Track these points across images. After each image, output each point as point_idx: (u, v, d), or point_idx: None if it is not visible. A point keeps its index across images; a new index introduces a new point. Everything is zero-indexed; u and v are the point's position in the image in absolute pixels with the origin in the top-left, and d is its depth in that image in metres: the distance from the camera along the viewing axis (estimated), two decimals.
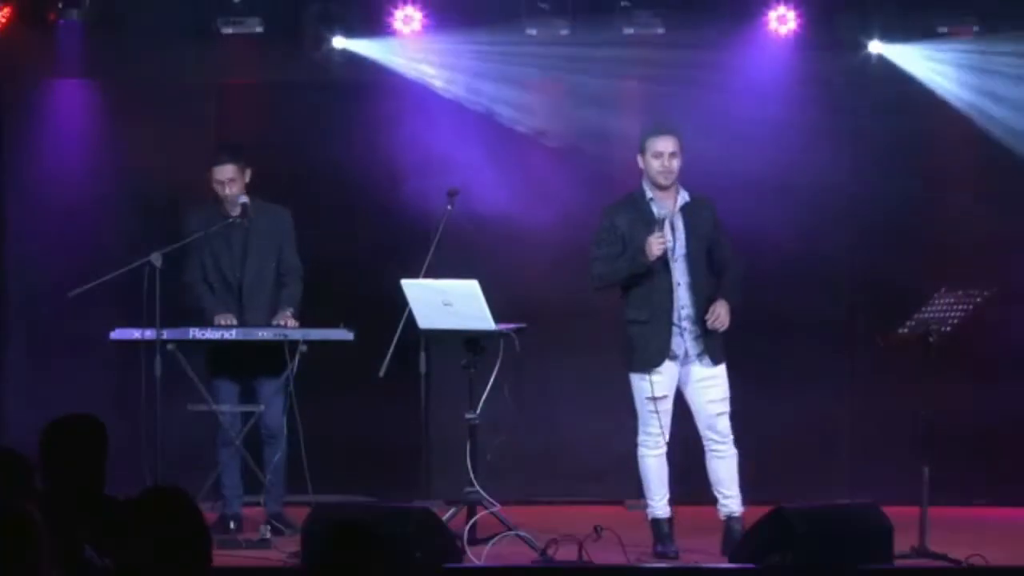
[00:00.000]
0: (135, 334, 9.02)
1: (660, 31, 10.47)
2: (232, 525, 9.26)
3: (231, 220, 9.31)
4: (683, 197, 8.71)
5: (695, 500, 8.92)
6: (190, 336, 9.08)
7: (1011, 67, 10.41)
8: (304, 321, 9.30)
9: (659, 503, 8.72)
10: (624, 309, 8.72)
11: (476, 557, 8.44)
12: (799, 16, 10.41)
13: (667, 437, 8.64)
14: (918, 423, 8.74)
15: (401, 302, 8.77)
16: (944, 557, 8.36)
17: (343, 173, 10.58)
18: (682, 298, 8.61)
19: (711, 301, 8.60)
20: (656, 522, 8.73)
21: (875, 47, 10.47)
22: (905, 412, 9.43)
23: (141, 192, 10.66)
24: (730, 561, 8.42)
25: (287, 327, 9.14)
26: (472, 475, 8.80)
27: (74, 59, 10.60)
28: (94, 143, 10.78)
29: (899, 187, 10.57)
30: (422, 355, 9.00)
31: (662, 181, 8.63)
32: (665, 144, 8.66)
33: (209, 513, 8.16)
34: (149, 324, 8.89)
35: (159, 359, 8.94)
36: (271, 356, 9.09)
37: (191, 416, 9.22)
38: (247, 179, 9.34)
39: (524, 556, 8.45)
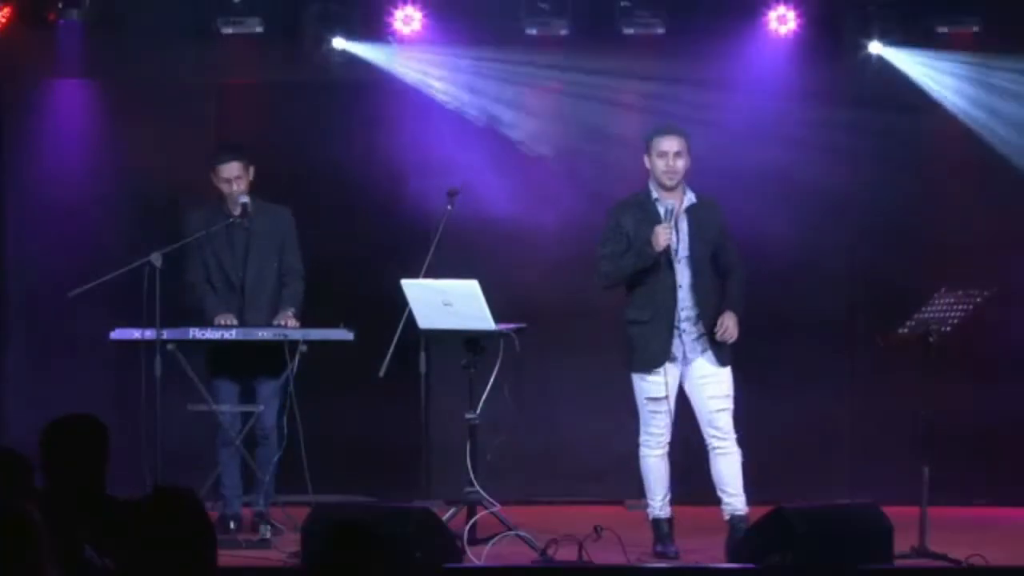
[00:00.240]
0: (135, 334, 9.02)
1: (660, 31, 10.47)
2: (232, 525, 9.27)
3: (231, 220, 9.31)
4: (689, 198, 8.68)
5: (696, 500, 8.92)
6: (190, 336, 9.08)
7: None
8: (304, 321, 9.30)
9: (659, 503, 8.72)
10: (626, 309, 8.71)
11: (476, 557, 8.44)
12: (799, 16, 10.41)
13: (668, 437, 8.64)
14: (918, 423, 8.75)
15: (401, 302, 8.77)
16: (944, 557, 8.37)
17: (343, 173, 10.58)
18: (683, 299, 8.59)
19: (715, 307, 8.57)
20: (656, 522, 8.73)
21: (875, 47, 10.46)
22: (905, 412, 9.44)
23: (141, 192, 10.66)
24: (730, 561, 8.42)
25: (287, 327, 9.14)
26: (472, 475, 8.80)
27: (74, 59, 10.60)
28: (94, 143, 10.78)
29: (899, 187, 10.57)
30: (422, 355, 9.00)
31: (666, 181, 8.61)
32: (670, 144, 8.64)
33: (210, 512, 8.15)
34: (149, 324, 8.89)
35: (159, 359, 8.94)
36: (271, 356, 9.09)
37: (191, 416, 9.21)
38: (251, 177, 9.35)
39: (524, 556, 8.45)
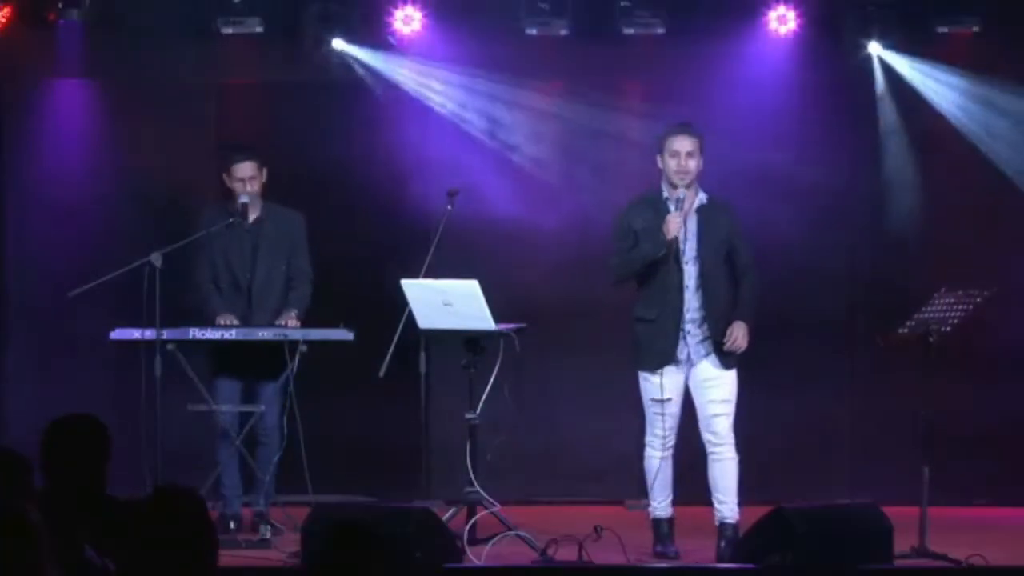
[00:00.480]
0: (135, 334, 9.03)
1: (660, 31, 10.46)
2: (232, 525, 9.27)
3: (231, 220, 9.31)
4: (700, 199, 8.63)
5: (696, 501, 8.90)
6: (190, 336, 9.08)
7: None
8: (304, 321, 9.31)
9: (661, 504, 8.71)
10: (634, 306, 8.68)
11: (476, 557, 8.44)
12: (799, 16, 10.41)
13: (673, 440, 8.62)
14: (918, 423, 8.75)
15: (401, 302, 8.77)
16: (944, 557, 8.37)
17: (343, 173, 10.58)
18: (688, 301, 8.54)
19: (722, 309, 8.52)
20: (657, 522, 8.72)
21: (874, 48, 10.46)
22: (905, 412, 9.44)
23: (141, 192, 10.66)
24: (730, 561, 8.42)
25: (287, 327, 9.14)
26: (472, 475, 8.80)
27: (74, 59, 10.60)
28: (94, 143, 10.78)
29: (899, 187, 10.57)
30: (422, 355, 9.00)
31: (678, 181, 8.54)
32: (683, 144, 8.58)
33: (210, 512, 8.15)
34: (149, 324, 8.89)
35: (159, 359, 8.94)
36: (273, 357, 9.09)
37: (191, 416, 9.21)
38: (264, 179, 9.37)
39: (524, 556, 8.45)
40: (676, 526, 8.75)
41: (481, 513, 8.76)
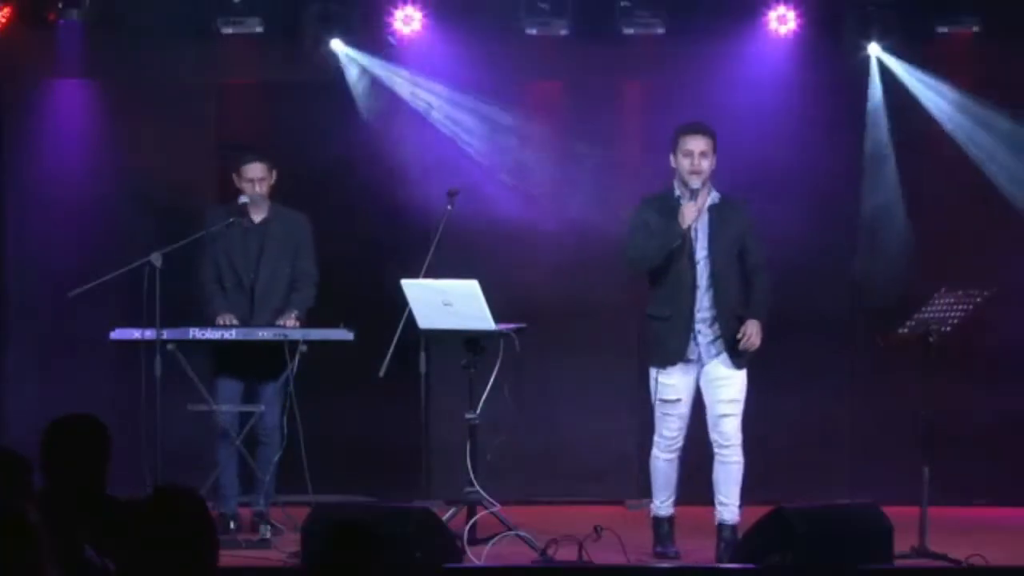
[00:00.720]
0: (135, 334, 9.03)
1: (660, 31, 10.46)
2: (232, 525, 9.27)
3: (232, 220, 9.32)
4: (712, 197, 8.59)
5: (697, 501, 8.89)
6: (190, 336, 9.08)
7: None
8: (304, 321, 9.31)
9: (662, 502, 8.70)
10: (648, 305, 8.65)
11: (476, 557, 8.44)
12: (799, 16, 10.41)
13: (681, 442, 8.59)
14: (918, 423, 8.75)
15: (401, 302, 8.77)
16: (944, 557, 8.37)
17: (343, 173, 10.58)
18: (699, 300, 8.51)
19: (733, 310, 8.48)
20: (657, 520, 8.71)
21: (873, 50, 10.46)
22: (905, 412, 9.44)
23: (141, 192, 10.66)
24: (730, 561, 8.42)
25: (286, 327, 9.14)
26: (472, 475, 8.80)
27: (74, 59, 10.60)
28: (94, 143, 10.78)
29: (899, 187, 10.57)
30: (422, 355, 9.00)
31: (691, 181, 8.48)
32: (696, 143, 8.53)
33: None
34: (149, 324, 8.89)
35: (159, 359, 8.94)
36: (273, 357, 9.09)
37: (191, 416, 9.21)
38: (273, 180, 9.39)
39: (524, 556, 8.45)
40: (677, 526, 8.74)
41: (481, 513, 8.76)
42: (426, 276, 8.85)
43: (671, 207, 8.53)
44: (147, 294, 8.81)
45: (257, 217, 9.41)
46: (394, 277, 8.91)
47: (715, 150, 8.57)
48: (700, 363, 8.55)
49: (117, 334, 9.11)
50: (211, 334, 9.12)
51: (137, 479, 8.42)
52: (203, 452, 9.51)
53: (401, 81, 10.60)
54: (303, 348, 9.02)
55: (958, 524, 9.34)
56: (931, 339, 8.62)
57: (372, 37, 10.56)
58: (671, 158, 8.60)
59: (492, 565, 8.34)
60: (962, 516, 9.82)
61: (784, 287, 10.19)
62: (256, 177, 9.33)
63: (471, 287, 8.64)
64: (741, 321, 8.49)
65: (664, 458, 8.63)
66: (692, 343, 8.51)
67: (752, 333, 8.46)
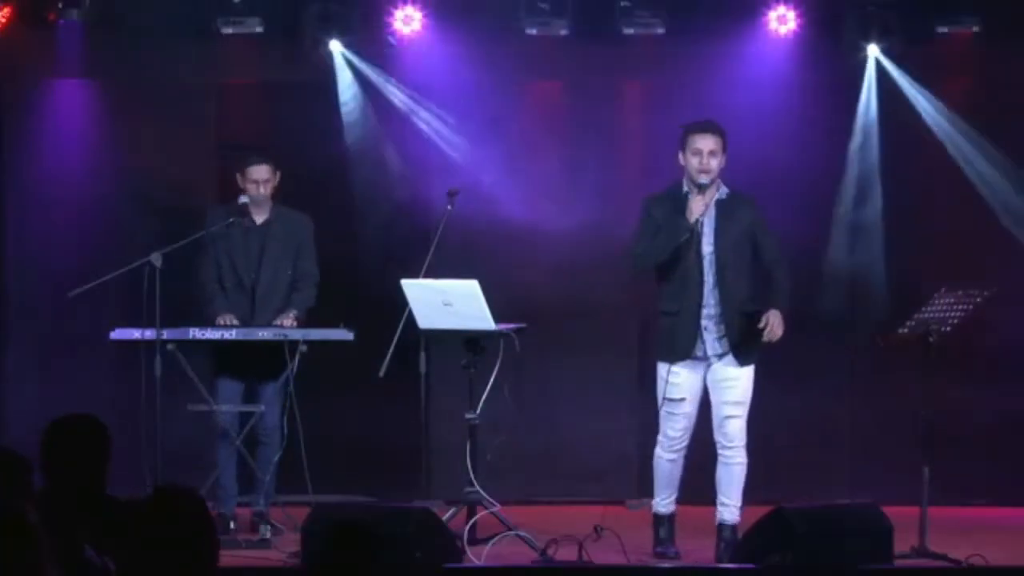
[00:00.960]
0: (135, 334, 9.03)
1: (660, 31, 10.46)
2: (232, 525, 9.27)
3: (231, 220, 9.32)
4: (720, 193, 8.55)
5: (698, 501, 8.88)
6: (190, 336, 9.08)
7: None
8: (304, 321, 9.31)
9: (663, 500, 8.69)
10: (658, 301, 8.62)
11: (476, 557, 8.44)
12: (799, 16, 10.41)
13: (686, 442, 8.58)
14: (918, 423, 8.75)
15: (401, 302, 8.77)
16: (944, 557, 8.37)
17: (343, 173, 10.58)
18: (706, 297, 8.48)
19: (740, 307, 8.45)
20: (657, 518, 8.69)
21: (872, 51, 10.46)
22: (905, 412, 9.44)
23: (141, 192, 10.66)
24: (730, 561, 8.42)
25: (285, 327, 9.14)
26: (472, 475, 8.80)
27: (74, 59, 10.60)
28: (94, 143, 10.77)
29: (899, 187, 10.58)
30: (422, 355, 8.99)
31: (699, 180, 8.46)
32: (705, 142, 8.50)
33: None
34: (149, 324, 8.89)
35: (159, 359, 8.94)
36: (273, 357, 9.09)
37: (191, 416, 9.21)
38: (276, 182, 9.39)
39: (524, 556, 8.45)
40: (677, 525, 8.73)
41: (481, 513, 8.76)
42: (426, 276, 8.84)
43: (679, 203, 8.50)
44: (147, 294, 8.80)
45: (259, 218, 9.42)
46: (394, 277, 8.91)
47: (725, 148, 8.55)
48: (707, 361, 8.53)
49: (117, 334, 9.11)
50: (211, 334, 9.12)
51: (137, 479, 8.42)
52: (203, 452, 9.51)
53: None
54: (303, 348, 9.02)
55: (958, 524, 9.34)
56: (931, 339, 8.62)
57: (372, 37, 10.56)
58: (680, 156, 8.57)
59: (492, 565, 8.34)
60: (962, 516, 9.82)
61: None
62: (261, 179, 9.34)
63: (471, 287, 8.64)
64: (748, 318, 8.48)
65: (667, 458, 8.62)
66: (699, 340, 8.49)
67: (775, 323, 8.42)
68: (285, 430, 9.09)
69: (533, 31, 10.50)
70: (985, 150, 10.43)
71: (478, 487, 8.78)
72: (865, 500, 8.80)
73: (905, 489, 8.88)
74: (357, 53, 10.57)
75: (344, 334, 9.07)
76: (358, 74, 10.61)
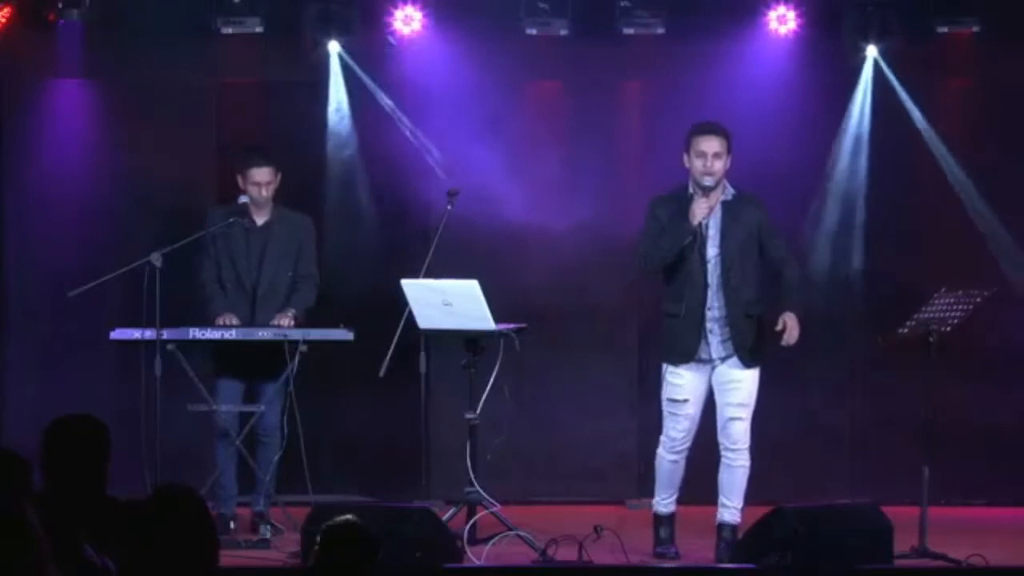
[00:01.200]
0: (135, 334, 9.02)
1: (660, 31, 10.46)
2: (232, 525, 9.27)
3: (232, 220, 9.32)
4: (726, 194, 8.53)
5: (699, 501, 8.87)
6: (190, 336, 9.08)
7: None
8: (304, 321, 9.30)
9: (663, 500, 8.68)
10: (663, 302, 8.62)
11: (476, 557, 8.44)
12: (799, 16, 10.41)
13: (688, 443, 8.56)
14: (918, 423, 8.75)
15: (401, 302, 8.77)
16: (944, 557, 8.37)
17: (343, 173, 10.58)
18: (710, 299, 8.47)
19: (745, 309, 8.42)
20: (657, 517, 8.69)
21: (872, 51, 10.46)
22: (905, 412, 9.45)
23: (141, 192, 10.66)
24: (730, 561, 8.42)
25: (283, 327, 9.14)
26: (472, 475, 8.80)
27: (74, 59, 10.59)
28: (94, 143, 10.77)
29: (898, 187, 10.58)
30: (422, 355, 8.98)
31: (703, 182, 8.44)
32: (709, 144, 8.47)
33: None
34: (149, 324, 8.89)
35: (159, 359, 8.94)
36: (273, 357, 9.08)
37: (191, 416, 9.21)
38: (278, 183, 9.39)
39: (524, 556, 8.45)
40: (677, 525, 8.73)
41: (481, 513, 8.76)
42: (426, 276, 8.84)
43: (684, 205, 8.48)
44: (147, 294, 8.80)
45: (260, 219, 9.41)
46: (394, 277, 8.91)
47: (730, 150, 8.53)
48: (712, 364, 8.51)
49: (117, 334, 9.11)
50: (211, 334, 9.12)
51: (137, 479, 8.42)
52: (203, 452, 9.51)
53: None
54: (303, 348, 9.01)
55: (958, 524, 9.34)
56: (931, 339, 8.62)
57: (372, 37, 10.55)
58: (684, 157, 8.56)
59: (492, 565, 8.34)
60: (962, 516, 9.82)
61: None
62: (263, 181, 9.34)
63: (471, 287, 8.64)
64: (753, 321, 8.47)
65: (669, 459, 8.61)
66: (703, 342, 8.48)
67: (792, 327, 8.40)
68: (285, 430, 9.09)
69: (533, 31, 10.49)
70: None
71: (478, 487, 8.78)
72: (865, 500, 8.81)
73: (905, 489, 8.88)
74: (353, 55, 10.57)
75: (344, 334, 9.07)
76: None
